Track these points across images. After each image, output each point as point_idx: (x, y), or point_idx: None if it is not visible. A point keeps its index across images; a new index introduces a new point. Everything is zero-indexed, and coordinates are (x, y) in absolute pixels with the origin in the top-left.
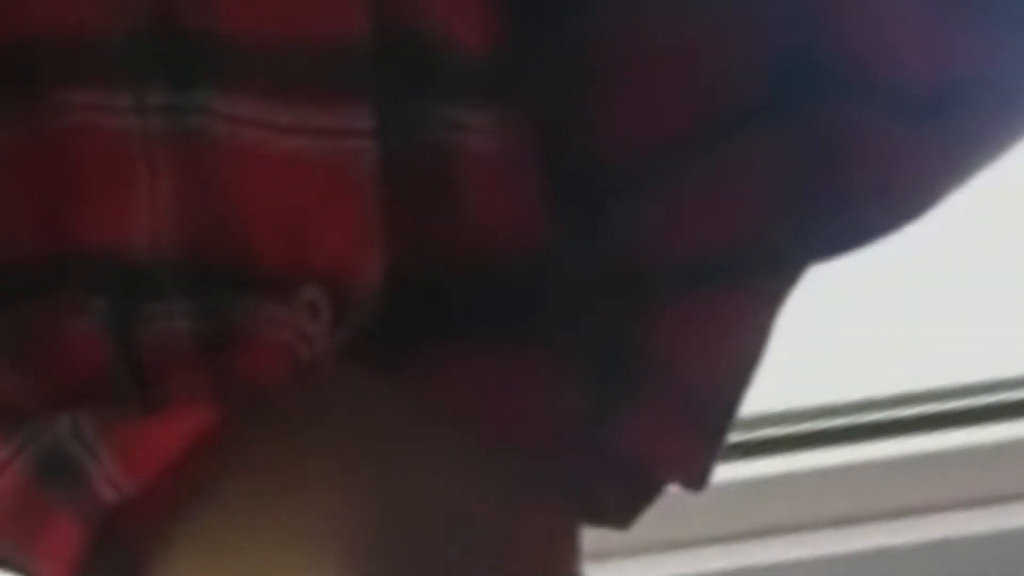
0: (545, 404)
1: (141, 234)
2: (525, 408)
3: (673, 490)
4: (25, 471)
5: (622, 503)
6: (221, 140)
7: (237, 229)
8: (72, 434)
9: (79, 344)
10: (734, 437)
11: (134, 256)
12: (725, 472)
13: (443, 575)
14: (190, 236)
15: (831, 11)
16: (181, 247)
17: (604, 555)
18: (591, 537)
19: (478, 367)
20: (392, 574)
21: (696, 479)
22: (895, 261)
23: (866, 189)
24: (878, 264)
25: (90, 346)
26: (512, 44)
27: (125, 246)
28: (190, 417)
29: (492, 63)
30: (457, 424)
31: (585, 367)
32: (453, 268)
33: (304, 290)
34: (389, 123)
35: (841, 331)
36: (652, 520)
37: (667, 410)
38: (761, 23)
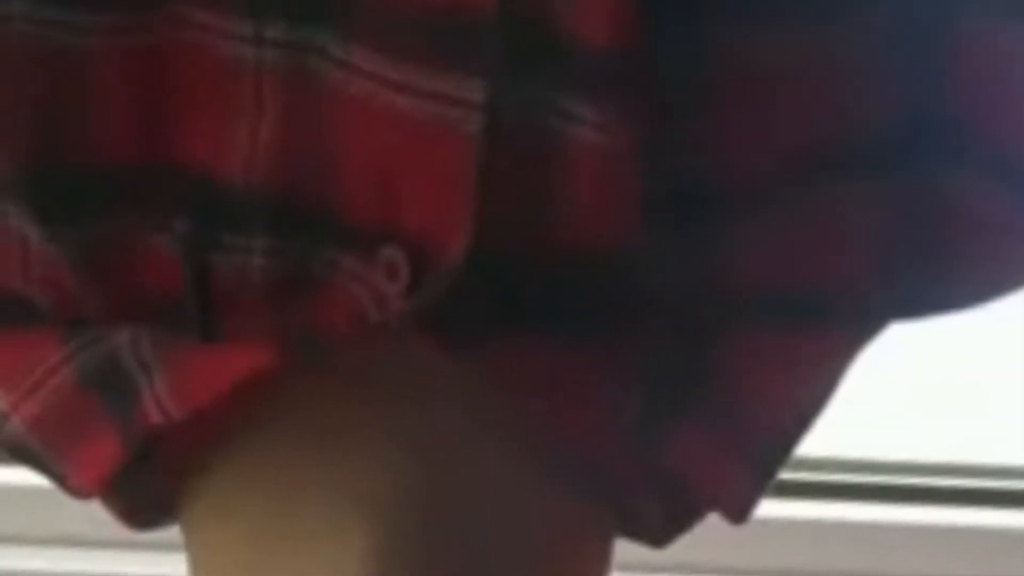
0: (603, 407)
1: (236, 163)
2: (582, 408)
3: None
4: (75, 375)
5: (659, 520)
6: (332, 86)
7: (331, 176)
8: (130, 349)
9: (154, 261)
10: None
11: (225, 183)
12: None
13: (472, 557)
14: (284, 174)
15: (960, 75)
16: (273, 183)
17: (626, 568)
18: (621, 549)
19: (543, 360)
20: (422, 546)
21: (737, 512)
22: (984, 332)
23: (963, 258)
24: (963, 331)
25: (164, 265)
26: (637, 44)
27: (219, 171)
28: (250, 354)
29: (614, 59)
30: (512, 413)
31: (650, 377)
32: (537, 256)
33: (385, 250)
34: (500, 100)
35: (905, 390)
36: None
37: (721, 437)
38: (890, 73)
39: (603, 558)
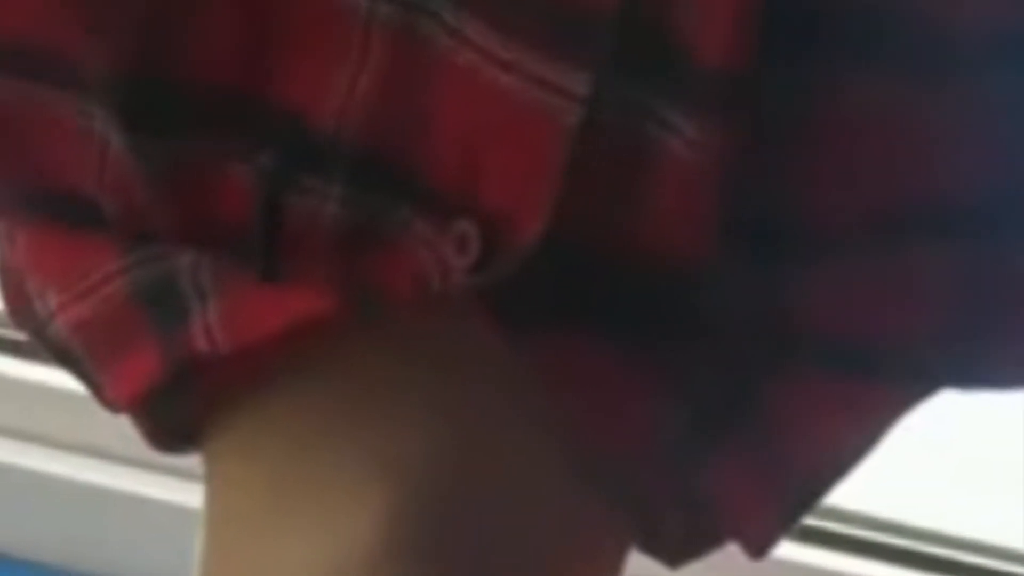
0: (643, 419)
1: (330, 108)
2: (621, 416)
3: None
4: (130, 288)
5: (678, 540)
6: (439, 51)
7: (420, 139)
8: (189, 273)
9: (230, 189)
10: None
11: (315, 126)
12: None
13: (484, 538)
14: (374, 128)
15: None
16: (362, 135)
17: None
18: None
19: (592, 361)
20: (437, 518)
21: (757, 546)
22: None
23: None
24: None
25: (239, 195)
26: (749, 69)
27: (311, 113)
28: (307, 299)
29: (724, 80)
30: (551, 406)
31: (696, 399)
32: (608, 257)
33: (460, 222)
34: (604, 98)
35: (947, 460)
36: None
37: (756, 470)
38: (988, 141)
39: (614, 567)
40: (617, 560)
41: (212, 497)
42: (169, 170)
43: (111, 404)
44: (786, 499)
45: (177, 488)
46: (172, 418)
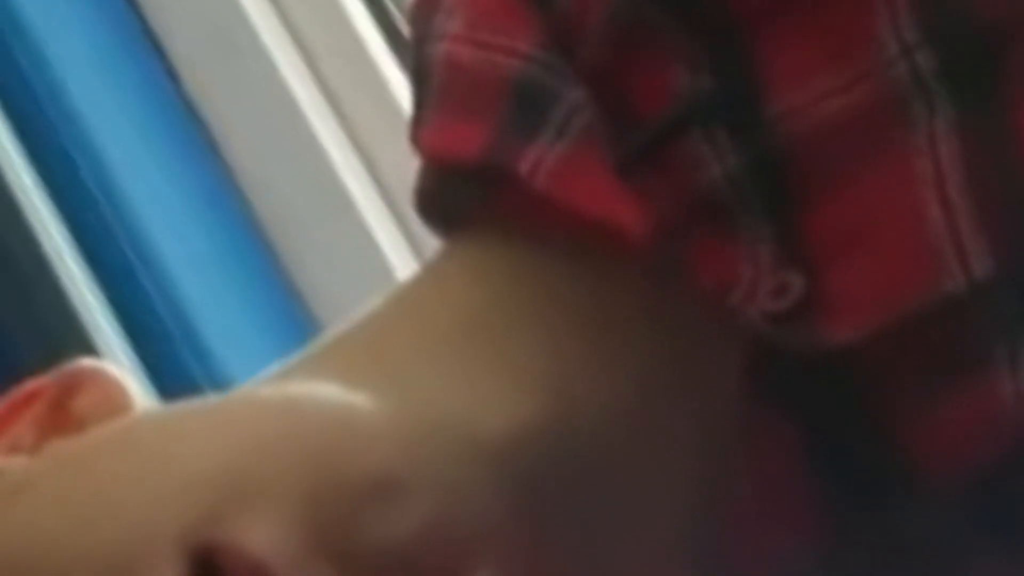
0: (785, 546)
1: (791, 99)
2: (771, 530)
3: None
4: (515, 74)
5: None
6: (908, 140)
7: (822, 188)
8: (569, 106)
9: (660, 80)
10: None
11: (768, 101)
12: None
13: (578, 522)
14: (805, 145)
15: None
16: (792, 141)
17: None
18: None
19: (787, 469)
20: (555, 477)
21: None
22: None
23: None
24: None
25: (662, 91)
26: None
27: (771, 89)
28: (630, 211)
29: None
30: (723, 473)
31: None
32: (873, 413)
33: (797, 276)
34: (988, 296)
35: None
36: None
37: None
38: None
39: None
40: None
41: (417, 282)
42: (632, 19)
43: (415, 141)
44: None
45: (403, 248)
46: (448, 195)
